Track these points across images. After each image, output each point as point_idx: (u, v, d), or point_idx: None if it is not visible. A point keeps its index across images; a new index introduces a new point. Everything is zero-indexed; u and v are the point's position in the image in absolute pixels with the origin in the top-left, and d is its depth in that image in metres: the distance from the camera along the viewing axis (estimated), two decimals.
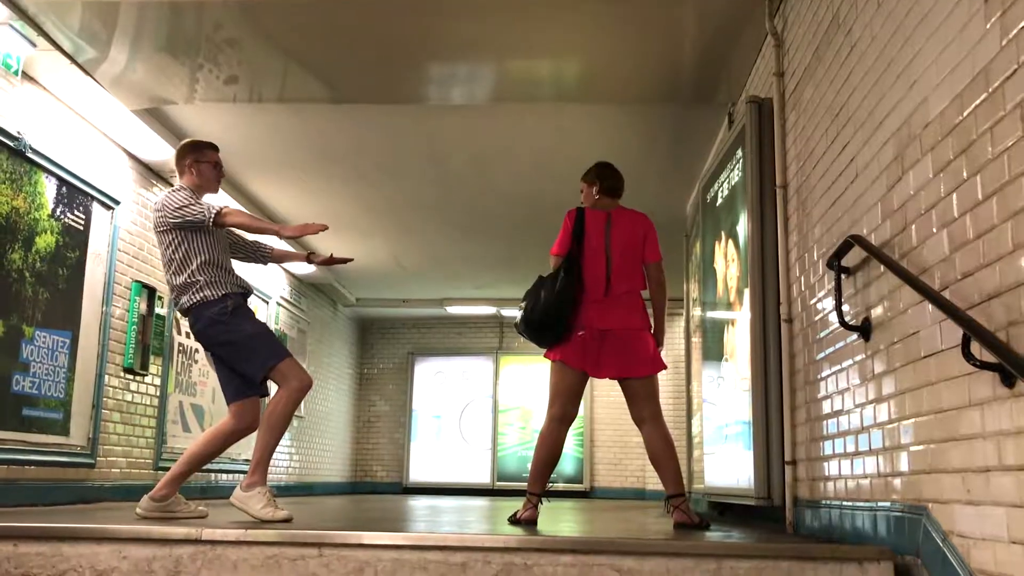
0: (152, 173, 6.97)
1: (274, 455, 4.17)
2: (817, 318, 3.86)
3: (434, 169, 7.53)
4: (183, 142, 4.40)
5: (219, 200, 7.65)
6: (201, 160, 4.26)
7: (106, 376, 6.30)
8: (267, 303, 9.77)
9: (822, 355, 3.78)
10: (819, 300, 3.84)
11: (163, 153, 6.65)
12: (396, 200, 8.40)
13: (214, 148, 4.35)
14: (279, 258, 4.64)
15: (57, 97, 5.67)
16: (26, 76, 5.34)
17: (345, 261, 4.42)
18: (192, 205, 4.06)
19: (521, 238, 9.54)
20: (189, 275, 4.06)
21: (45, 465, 5.55)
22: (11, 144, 5.23)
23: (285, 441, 10.28)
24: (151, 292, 6.94)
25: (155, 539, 3.04)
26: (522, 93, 6.10)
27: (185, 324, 7.64)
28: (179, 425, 7.57)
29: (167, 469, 7.23)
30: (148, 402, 7.00)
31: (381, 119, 6.55)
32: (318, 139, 6.97)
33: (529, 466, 4.42)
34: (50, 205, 5.66)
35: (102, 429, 6.26)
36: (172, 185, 7.26)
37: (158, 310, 7.04)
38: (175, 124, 6.61)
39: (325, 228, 3.94)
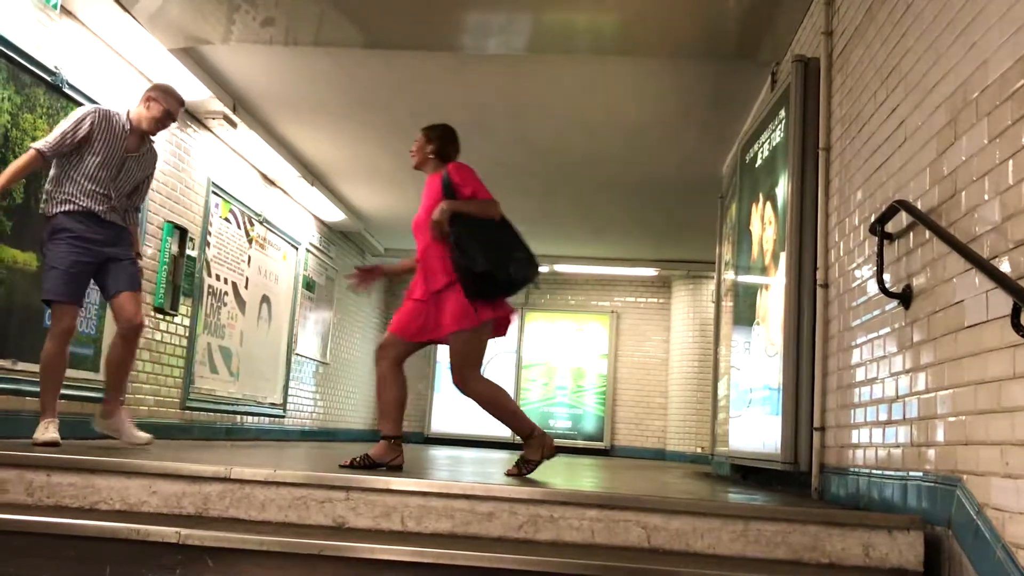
0: (186, 112, 6.95)
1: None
2: (854, 284, 3.81)
3: (467, 120, 7.40)
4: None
5: (250, 142, 7.64)
6: None
7: None
8: (296, 249, 9.80)
9: (858, 322, 3.73)
10: (857, 266, 3.78)
11: (198, 93, 6.62)
12: None
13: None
14: None
15: (95, 33, 5.65)
16: (65, 11, 5.31)
17: None
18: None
19: (552, 192, 9.49)
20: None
21: (75, 400, 5.61)
22: (49, 79, 5.22)
23: (310, 387, 10.35)
24: (183, 233, 6.96)
25: (185, 475, 3.07)
26: (559, 45, 6.01)
27: (216, 266, 7.69)
28: (207, 366, 7.64)
29: (193, 409, 7.35)
30: (177, 342, 7.06)
31: (416, 66, 6.47)
32: (352, 85, 6.91)
33: (493, 417, 4.18)
34: None
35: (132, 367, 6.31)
36: (206, 127, 7.28)
37: (189, 251, 7.06)
38: (211, 64, 6.57)
39: None
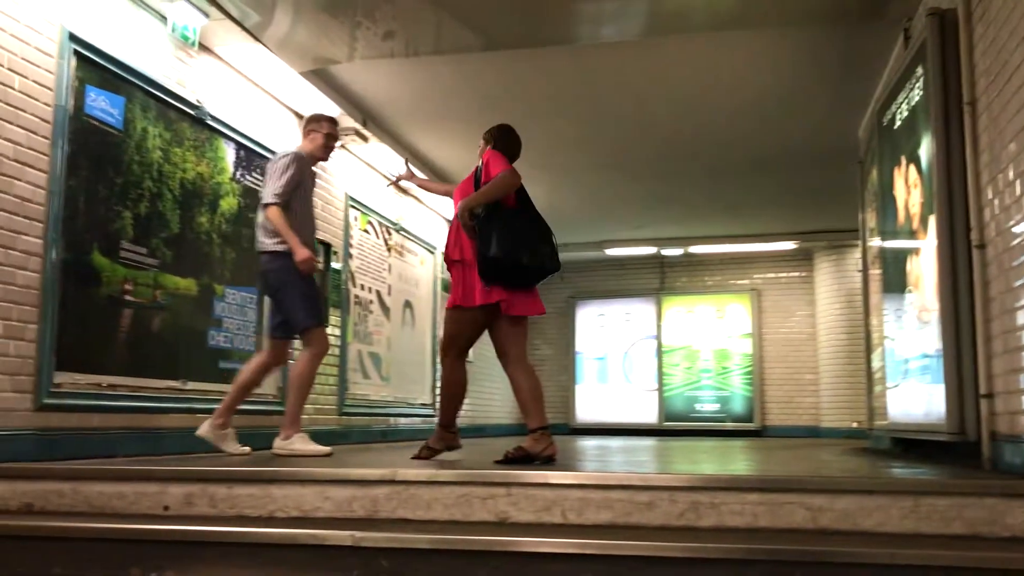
0: None
1: None
2: (1015, 243, 3.61)
3: (589, 109, 7.45)
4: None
5: (378, 154, 7.86)
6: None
7: None
8: (432, 253, 10.02)
9: (1020, 282, 3.54)
10: (1016, 223, 3.59)
11: (331, 112, 6.83)
12: (552, 143, 8.38)
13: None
14: None
15: (231, 65, 5.95)
16: (202, 47, 5.62)
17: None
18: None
19: (682, 174, 9.37)
20: None
21: (241, 413, 5.92)
22: (193, 113, 5.54)
23: None
24: (327, 248, 7.25)
25: (354, 480, 3.21)
26: (675, 24, 5.91)
27: (360, 277, 7.96)
28: (359, 373, 7.93)
29: (349, 414, 7.64)
30: (330, 352, 7.34)
31: (535, 62, 6.51)
32: (472, 88, 7.02)
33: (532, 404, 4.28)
34: (231, 169, 5.96)
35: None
36: (341, 144, 7.54)
37: (334, 264, 7.34)
38: (339, 83, 6.81)
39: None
